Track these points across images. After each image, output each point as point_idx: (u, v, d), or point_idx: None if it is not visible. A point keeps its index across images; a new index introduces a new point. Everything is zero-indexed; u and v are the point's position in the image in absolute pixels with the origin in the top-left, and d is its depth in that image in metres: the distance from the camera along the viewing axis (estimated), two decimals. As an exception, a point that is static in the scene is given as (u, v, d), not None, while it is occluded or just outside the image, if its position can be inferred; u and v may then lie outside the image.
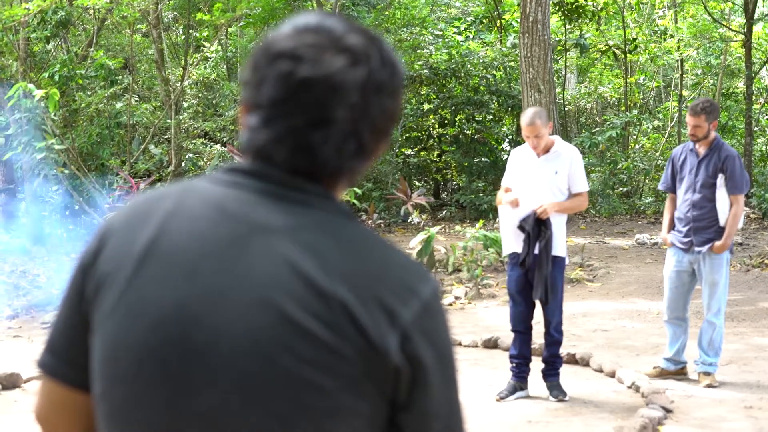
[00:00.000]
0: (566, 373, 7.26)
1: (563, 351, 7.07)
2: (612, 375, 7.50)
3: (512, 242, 6.78)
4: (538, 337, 7.19)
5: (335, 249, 1.42)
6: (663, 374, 7.37)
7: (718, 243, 7.01)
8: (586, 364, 7.88)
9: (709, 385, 7.11)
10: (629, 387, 7.14)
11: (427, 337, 1.42)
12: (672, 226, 7.35)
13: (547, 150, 6.74)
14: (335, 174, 1.48)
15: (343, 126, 1.44)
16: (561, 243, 6.77)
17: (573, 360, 7.92)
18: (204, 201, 1.47)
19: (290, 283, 1.38)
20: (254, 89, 1.48)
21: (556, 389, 6.87)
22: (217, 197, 1.47)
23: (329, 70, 1.43)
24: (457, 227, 15.01)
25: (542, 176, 6.71)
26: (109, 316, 1.45)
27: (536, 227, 6.59)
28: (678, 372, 7.39)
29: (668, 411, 6.43)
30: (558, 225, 6.73)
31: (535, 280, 6.65)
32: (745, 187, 7.11)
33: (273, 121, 1.45)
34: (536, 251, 6.62)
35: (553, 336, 6.83)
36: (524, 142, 6.87)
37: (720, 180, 7.03)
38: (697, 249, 7.09)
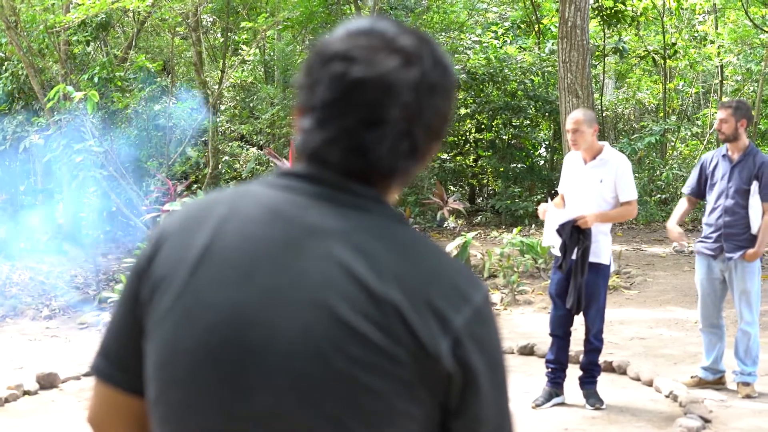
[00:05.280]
0: (603, 381, 7.21)
1: (600, 359, 7.01)
2: (649, 384, 7.43)
3: (552, 238, 6.75)
4: (576, 344, 7.13)
5: (388, 253, 1.42)
6: (701, 384, 7.29)
7: (750, 251, 6.93)
8: (624, 373, 7.81)
9: (748, 396, 7.03)
10: (667, 396, 7.07)
11: (478, 343, 1.43)
12: (681, 224, 7.28)
13: (594, 156, 6.67)
14: (388, 175, 1.48)
15: (396, 126, 1.44)
16: (605, 250, 6.70)
17: (610, 368, 7.85)
18: (258, 205, 1.48)
19: (343, 285, 1.38)
20: (308, 92, 1.49)
21: (593, 397, 6.81)
22: (271, 201, 1.47)
23: (382, 70, 1.44)
24: (494, 233, 14.96)
25: (587, 184, 6.65)
26: (164, 320, 1.46)
27: (575, 235, 6.53)
28: (716, 382, 7.31)
29: (707, 421, 6.36)
30: (602, 232, 6.66)
31: (570, 287, 6.61)
32: None
33: (326, 123, 1.46)
34: (573, 257, 6.58)
35: (593, 343, 6.78)
36: (561, 148, 6.86)
37: (754, 187, 6.94)
38: (728, 256, 7.01)
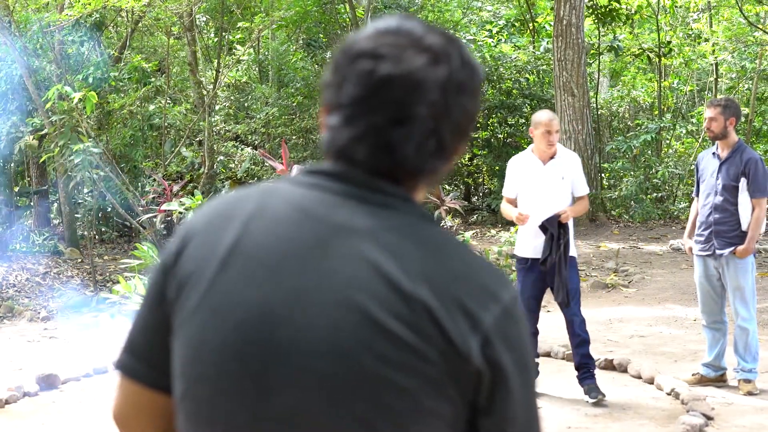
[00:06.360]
0: (604, 379, 7.22)
1: (600, 357, 7.06)
2: (650, 381, 7.43)
3: (529, 247, 6.90)
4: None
5: (417, 251, 1.41)
6: (702, 381, 7.29)
7: (740, 247, 6.95)
8: (624, 371, 7.81)
9: (750, 393, 7.03)
10: (668, 394, 7.08)
11: (507, 342, 1.42)
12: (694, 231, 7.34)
13: (551, 156, 6.89)
14: (415, 174, 1.48)
15: (423, 124, 1.44)
16: (572, 244, 6.92)
17: (611, 366, 7.86)
18: (286, 203, 1.47)
19: (373, 284, 1.38)
20: (335, 89, 1.49)
21: (594, 390, 6.82)
22: (299, 199, 1.47)
23: (410, 67, 1.43)
24: (491, 231, 14.96)
25: (550, 182, 6.87)
26: (192, 316, 1.46)
27: (558, 230, 6.71)
28: (717, 379, 7.31)
29: (709, 418, 6.36)
30: (570, 227, 6.87)
31: (556, 283, 6.73)
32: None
33: (354, 120, 1.45)
34: (556, 252, 6.73)
35: (581, 336, 6.85)
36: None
37: (742, 184, 6.96)
38: (718, 252, 7.03)
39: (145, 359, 1.56)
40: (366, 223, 1.42)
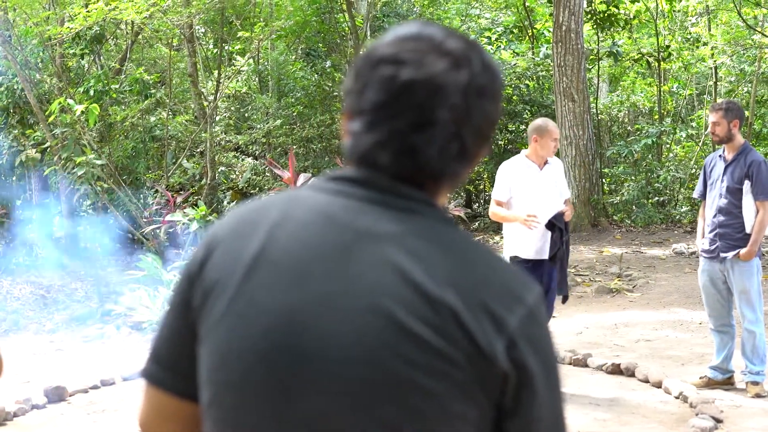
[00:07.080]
0: (612, 383, 7.22)
1: (607, 361, 7.20)
2: (658, 385, 7.43)
3: (532, 248, 7.06)
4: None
5: (441, 255, 1.42)
6: (710, 384, 7.28)
7: (744, 250, 6.95)
8: (632, 375, 7.81)
9: (758, 395, 7.02)
10: (676, 397, 7.07)
11: (532, 344, 1.43)
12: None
13: (545, 162, 7.17)
14: (438, 177, 1.48)
15: (445, 128, 1.45)
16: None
17: (618, 370, 7.86)
18: (310, 209, 1.48)
19: (399, 289, 1.38)
20: (357, 96, 1.49)
21: None
22: (323, 205, 1.47)
23: (432, 71, 1.44)
24: (495, 238, 14.96)
25: (548, 186, 7.15)
26: (218, 324, 1.46)
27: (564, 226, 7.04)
28: (725, 382, 7.30)
29: (718, 421, 6.36)
30: None
31: (558, 278, 7.07)
32: None
33: (376, 125, 1.46)
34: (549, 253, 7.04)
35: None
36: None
37: (746, 186, 6.97)
38: (722, 255, 7.03)
39: (171, 367, 1.57)
40: (390, 228, 1.43)
